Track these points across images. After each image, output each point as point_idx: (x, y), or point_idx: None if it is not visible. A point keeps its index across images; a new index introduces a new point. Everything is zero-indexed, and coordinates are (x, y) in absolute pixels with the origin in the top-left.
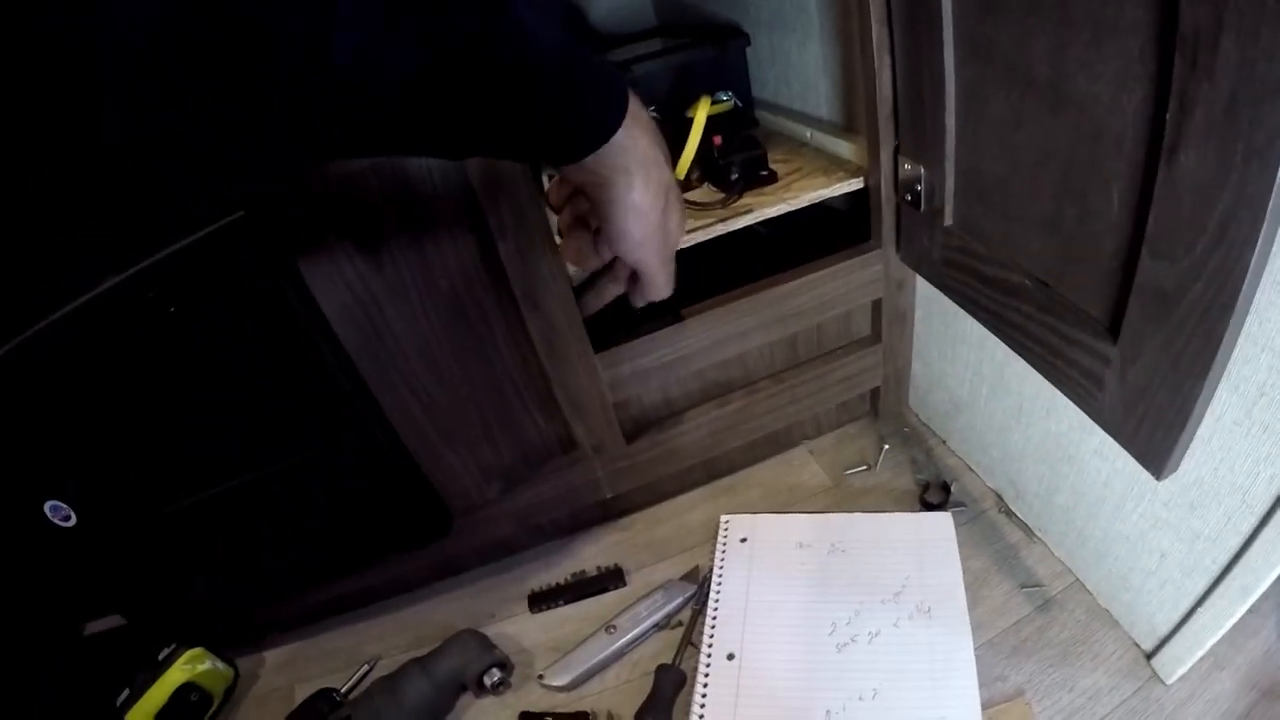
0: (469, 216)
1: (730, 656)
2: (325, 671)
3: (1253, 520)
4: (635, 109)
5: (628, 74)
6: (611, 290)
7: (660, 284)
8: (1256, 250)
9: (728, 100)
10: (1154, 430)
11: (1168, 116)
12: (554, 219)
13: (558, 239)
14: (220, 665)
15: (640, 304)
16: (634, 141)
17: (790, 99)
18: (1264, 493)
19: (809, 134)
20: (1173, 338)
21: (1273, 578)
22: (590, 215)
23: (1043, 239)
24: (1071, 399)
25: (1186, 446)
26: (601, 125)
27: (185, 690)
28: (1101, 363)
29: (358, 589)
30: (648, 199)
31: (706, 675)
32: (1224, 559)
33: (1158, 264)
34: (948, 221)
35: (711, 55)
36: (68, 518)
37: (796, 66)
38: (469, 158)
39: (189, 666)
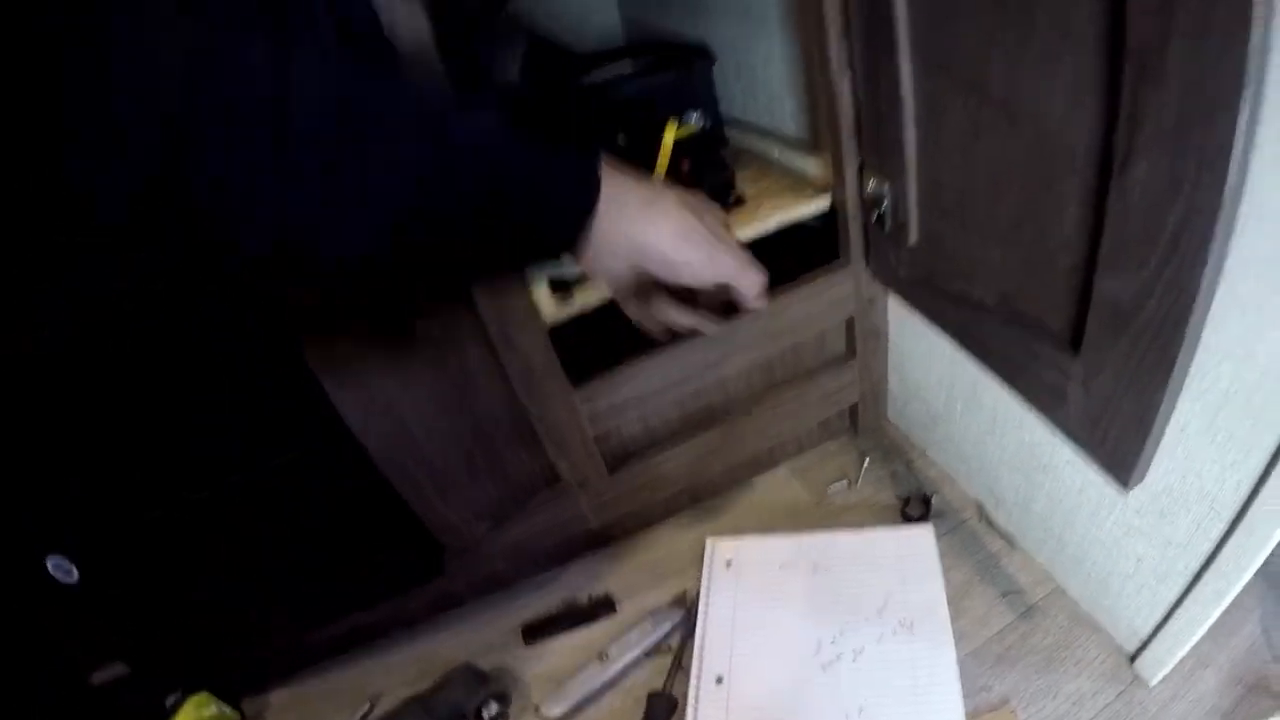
0: None
1: (719, 680)
2: (329, 711)
3: (1221, 526)
4: (609, 175)
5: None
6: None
7: (751, 277)
8: (1209, 262)
9: (696, 123)
10: (1118, 442)
11: (1118, 129)
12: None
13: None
14: (226, 709)
15: (756, 305)
16: (620, 212)
17: (758, 115)
18: (1231, 499)
19: (776, 152)
20: (1131, 351)
21: (1244, 582)
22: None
23: (1003, 254)
24: (1038, 412)
25: (1151, 457)
26: (569, 232)
27: None
28: (1064, 376)
29: (357, 627)
30: (677, 240)
31: (696, 699)
32: (1195, 565)
33: (1113, 278)
34: (912, 238)
35: (679, 77)
36: (69, 573)
37: (762, 81)
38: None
39: (195, 713)
